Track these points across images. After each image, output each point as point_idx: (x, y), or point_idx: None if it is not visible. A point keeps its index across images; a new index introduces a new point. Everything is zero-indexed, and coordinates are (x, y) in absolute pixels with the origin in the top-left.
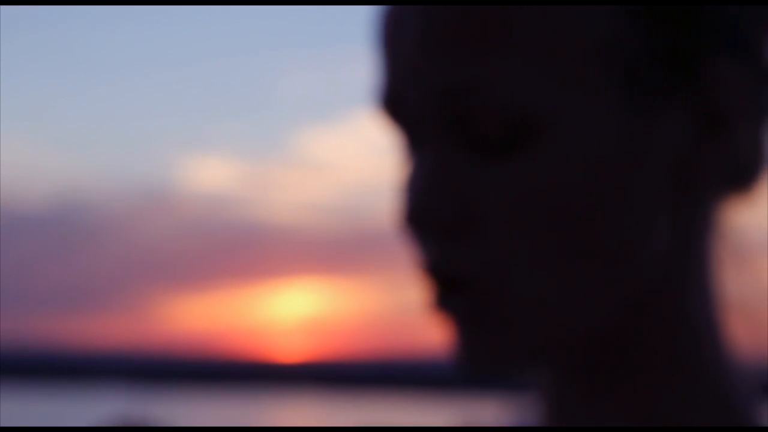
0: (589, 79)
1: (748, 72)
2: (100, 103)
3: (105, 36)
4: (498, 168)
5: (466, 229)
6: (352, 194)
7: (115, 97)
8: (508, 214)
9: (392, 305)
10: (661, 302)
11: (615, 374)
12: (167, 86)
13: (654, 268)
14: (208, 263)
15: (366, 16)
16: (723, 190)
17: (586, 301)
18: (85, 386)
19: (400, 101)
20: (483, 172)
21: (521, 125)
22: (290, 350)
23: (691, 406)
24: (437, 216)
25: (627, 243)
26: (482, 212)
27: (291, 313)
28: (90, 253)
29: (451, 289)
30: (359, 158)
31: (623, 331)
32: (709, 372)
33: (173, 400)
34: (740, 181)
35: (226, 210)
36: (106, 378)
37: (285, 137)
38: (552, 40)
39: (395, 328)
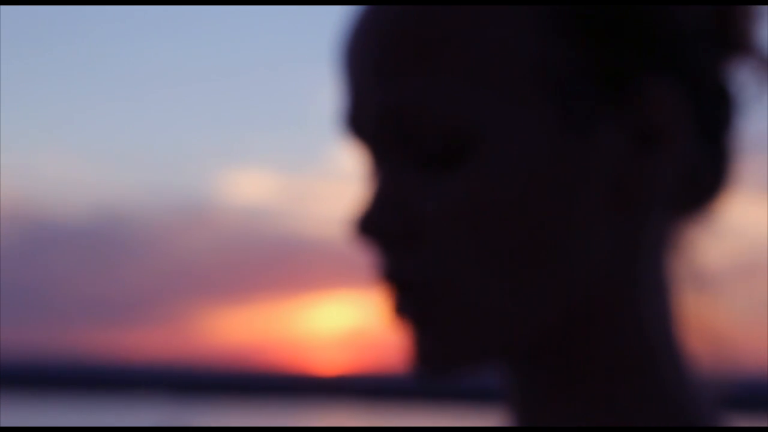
0: (521, 96)
1: (691, 89)
2: (139, 117)
3: (144, 48)
4: (439, 181)
5: (413, 239)
6: None
7: (154, 111)
8: (449, 225)
9: None
10: (609, 310)
11: (568, 380)
12: (205, 99)
13: (596, 277)
14: (247, 276)
15: None
16: (675, 205)
17: (526, 305)
18: (124, 398)
19: (358, 122)
20: (426, 186)
21: (457, 140)
22: (329, 363)
23: (644, 412)
24: (384, 229)
25: (563, 251)
26: (426, 223)
27: (329, 325)
28: (129, 266)
29: (405, 295)
30: None
31: (571, 337)
32: (663, 380)
33: (212, 412)
34: (696, 196)
35: (265, 223)
36: (146, 390)
37: (323, 150)
38: (484, 59)
39: None
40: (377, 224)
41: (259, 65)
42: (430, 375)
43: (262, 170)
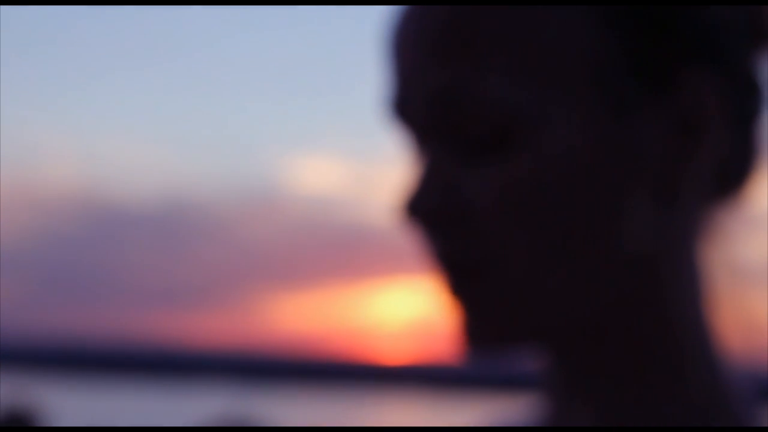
0: (569, 86)
1: (726, 80)
2: (211, 104)
3: (214, 37)
4: (485, 166)
5: (461, 222)
6: None
7: (225, 98)
8: (496, 209)
9: None
10: (643, 298)
11: (600, 365)
12: (275, 85)
13: (636, 261)
14: (313, 263)
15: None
16: (709, 194)
17: (568, 287)
18: (190, 383)
19: (406, 106)
20: (473, 170)
21: (505, 127)
22: (394, 351)
23: (673, 402)
24: (432, 211)
25: (606, 236)
26: (474, 206)
27: (395, 314)
28: (197, 252)
29: (456, 276)
30: None
31: (605, 322)
32: (697, 369)
33: (275, 399)
34: (726, 185)
35: (331, 210)
36: (211, 375)
37: (390, 137)
38: (535, 50)
39: None
40: (425, 206)
41: (330, 51)
42: (476, 353)
43: (329, 157)
